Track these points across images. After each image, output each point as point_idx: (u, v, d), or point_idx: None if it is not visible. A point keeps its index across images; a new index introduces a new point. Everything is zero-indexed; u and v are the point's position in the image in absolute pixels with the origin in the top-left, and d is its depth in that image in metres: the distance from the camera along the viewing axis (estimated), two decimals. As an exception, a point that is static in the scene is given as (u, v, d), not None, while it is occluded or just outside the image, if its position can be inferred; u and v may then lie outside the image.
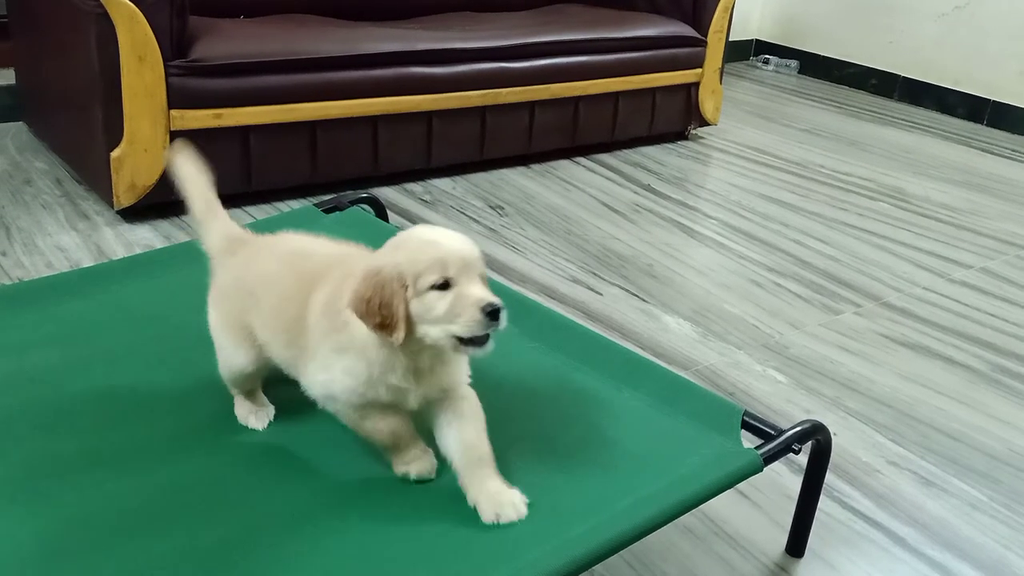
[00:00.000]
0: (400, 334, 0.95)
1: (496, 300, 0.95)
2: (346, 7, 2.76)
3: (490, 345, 0.97)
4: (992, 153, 3.44)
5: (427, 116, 2.55)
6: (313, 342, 1.03)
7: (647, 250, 2.32)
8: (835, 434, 1.22)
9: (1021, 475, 1.55)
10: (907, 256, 2.42)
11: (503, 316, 0.95)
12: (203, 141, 2.21)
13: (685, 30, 3.04)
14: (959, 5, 3.81)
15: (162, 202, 2.22)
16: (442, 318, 0.95)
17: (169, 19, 2.09)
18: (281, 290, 1.07)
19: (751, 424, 1.19)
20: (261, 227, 1.72)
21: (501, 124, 2.71)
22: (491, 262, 2.16)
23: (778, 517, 1.38)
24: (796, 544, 1.31)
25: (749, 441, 1.16)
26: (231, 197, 2.36)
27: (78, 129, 2.30)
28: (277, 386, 1.18)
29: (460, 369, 1.07)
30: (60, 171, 2.48)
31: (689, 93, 3.13)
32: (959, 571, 1.32)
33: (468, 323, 0.95)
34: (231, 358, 1.13)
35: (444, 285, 0.95)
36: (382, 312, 0.95)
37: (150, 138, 2.14)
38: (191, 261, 1.56)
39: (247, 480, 1.06)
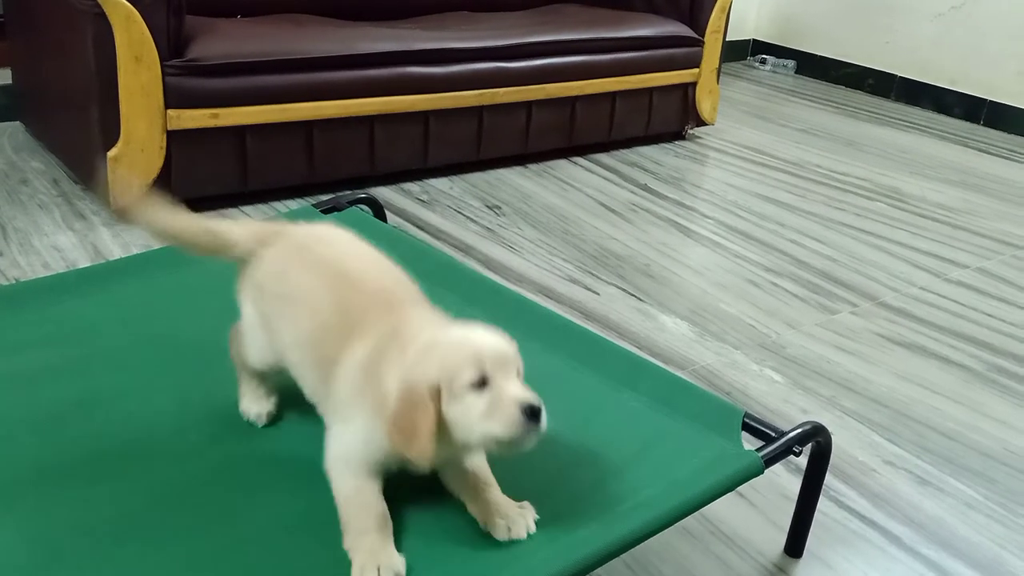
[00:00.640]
0: (425, 453, 0.91)
1: (535, 399, 0.91)
2: (343, 7, 2.76)
3: (532, 445, 0.92)
4: (989, 153, 3.45)
5: (424, 116, 2.55)
6: (343, 396, 0.99)
7: (644, 250, 2.32)
8: (832, 434, 1.22)
9: (1016, 474, 1.55)
10: (904, 256, 2.43)
11: (544, 417, 0.91)
12: (200, 141, 2.23)
13: (682, 30, 3.05)
14: (956, 5, 3.82)
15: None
16: (480, 418, 0.91)
17: (166, 19, 2.09)
18: (321, 320, 1.02)
19: (751, 426, 1.19)
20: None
21: (498, 124, 2.71)
22: (488, 262, 2.16)
23: (775, 517, 1.38)
24: (795, 545, 1.31)
25: (749, 443, 1.16)
26: (227, 197, 2.37)
27: (75, 129, 2.29)
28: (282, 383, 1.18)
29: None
30: (57, 171, 2.47)
31: (686, 93, 3.14)
32: (955, 570, 1.32)
33: (506, 423, 0.90)
34: (254, 348, 1.11)
35: (481, 383, 0.91)
36: (409, 432, 0.90)
37: (147, 138, 2.14)
38: (189, 261, 1.56)
39: (247, 483, 1.06)
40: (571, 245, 2.31)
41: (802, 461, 1.25)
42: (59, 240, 2.09)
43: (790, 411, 1.67)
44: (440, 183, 2.64)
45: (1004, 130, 3.75)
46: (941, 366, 1.89)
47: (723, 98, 3.76)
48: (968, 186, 3.04)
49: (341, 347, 1.00)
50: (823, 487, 1.26)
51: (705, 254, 2.34)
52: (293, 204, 2.37)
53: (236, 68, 2.21)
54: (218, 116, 2.21)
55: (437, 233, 2.29)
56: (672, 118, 3.16)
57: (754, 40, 4.63)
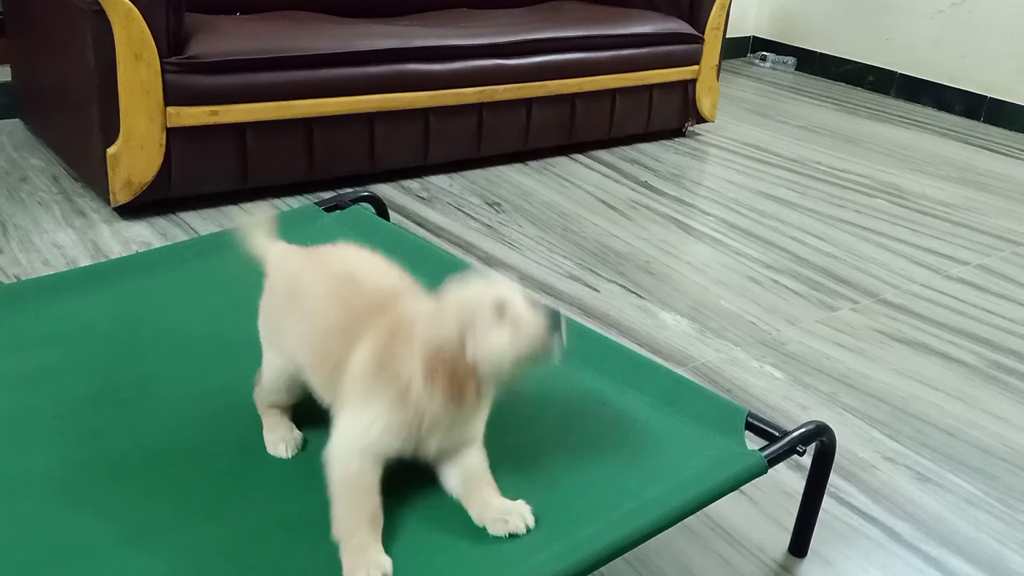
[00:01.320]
0: (472, 393, 0.95)
1: (553, 307, 0.95)
2: (342, 4, 2.76)
3: (559, 353, 0.96)
4: (989, 150, 3.44)
5: (424, 113, 2.55)
6: (350, 391, 1.00)
7: (644, 247, 2.32)
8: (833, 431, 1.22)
9: (1016, 471, 1.55)
10: (904, 253, 2.43)
11: (563, 321, 0.95)
12: (200, 138, 2.23)
13: (682, 27, 3.04)
14: (956, 2, 3.81)
15: (158, 199, 2.22)
16: (510, 344, 0.94)
17: (165, 16, 2.09)
18: (327, 322, 1.04)
19: (755, 425, 1.19)
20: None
21: (498, 121, 2.71)
22: (488, 259, 2.16)
23: (776, 514, 1.39)
24: (799, 544, 1.31)
25: (753, 442, 1.16)
26: (228, 195, 2.37)
27: (74, 126, 2.29)
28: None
29: (481, 424, 1.05)
30: (56, 168, 2.47)
31: (686, 90, 3.14)
32: (954, 566, 1.32)
33: (534, 338, 0.94)
34: (271, 365, 1.12)
35: (499, 313, 0.94)
36: (456, 383, 0.94)
37: (146, 135, 2.14)
38: (191, 260, 1.56)
39: (250, 482, 1.06)
40: (571, 242, 2.31)
41: (803, 459, 1.25)
42: (59, 237, 2.09)
43: (790, 408, 1.67)
44: (440, 180, 2.64)
45: (1004, 127, 3.75)
46: (941, 363, 1.89)
47: (723, 95, 3.76)
48: (968, 183, 3.04)
49: (348, 345, 1.01)
50: (823, 484, 1.26)
51: (705, 251, 2.34)
52: (293, 202, 2.37)
53: (236, 65, 2.21)
54: (218, 113, 2.21)
55: (437, 230, 2.29)
56: (672, 115, 3.15)
57: (754, 37, 4.63)
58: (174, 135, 2.18)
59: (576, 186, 2.70)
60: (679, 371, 1.58)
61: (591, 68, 2.85)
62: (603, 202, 2.59)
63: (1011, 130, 3.72)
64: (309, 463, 1.09)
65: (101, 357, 1.27)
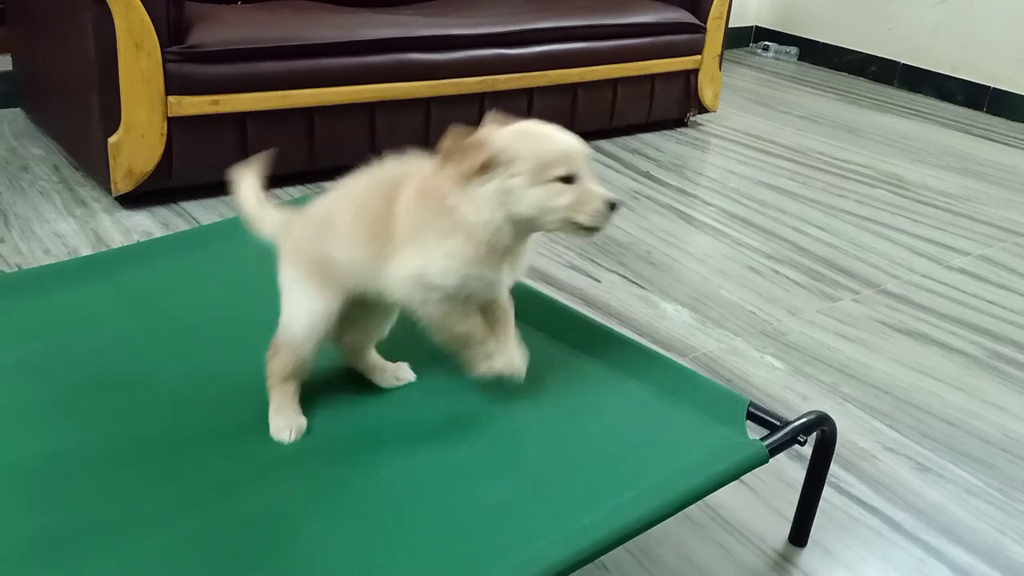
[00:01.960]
0: (480, 168, 1.02)
1: (615, 197, 1.04)
2: (344, -7, 2.76)
3: (602, 231, 1.06)
4: (991, 140, 3.44)
5: (425, 103, 2.54)
6: (402, 232, 1.05)
7: (645, 237, 2.32)
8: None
9: (1016, 461, 1.56)
10: (905, 243, 2.43)
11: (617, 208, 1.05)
12: (201, 128, 2.23)
13: (684, 16, 3.04)
14: (959, -9, 3.80)
15: (159, 188, 2.22)
16: (567, 207, 1.03)
17: (166, 5, 2.08)
18: (361, 200, 1.10)
19: (756, 415, 1.19)
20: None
21: (500, 110, 2.70)
22: (489, 249, 2.16)
23: (777, 504, 1.39)
24: (799, 534, 1.31)
25: (754, 432, 1.16)
26: (228, 184, 2.36)
27: (75, 115, 2.29)
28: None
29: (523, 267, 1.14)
30: (57, 157, 2.47)
31: (688, 80, 3.13)
32: (954, 556, 1.32)
33: (593, 214, 1.03)
34: (310, 308, 1.11)
35: (568, 179, 1.03)
36: (465, 156, 1.02)
37: (147, 124, 2.13)
38: (192, 249, 1.56)
39: (251, 468, 1.07)
40: (572, 232, 2.31)
41: (804, 448, 1.25)
42: (60, 227, 2.09)
43: (791, 398, 1.67)
44: (441, 170, 2.63)
45: (1006, 117, 3.74)
46: (942, 353, 1.89)
47: (725, 85, 3.75)
48: (970, 173, 3.03)
49: (388, 200, 1.07)
50: (824, 473, 1.27)
51: (706, 241, 2.33)
52: (294, 191, 2.37)
53: (236, 54, 2.21)
54: (219, 103, 2.21)
55: (438, 220, 2.28)
56: (674, 105, 3.15)
57: (756, 27, 4.61)
58: (175, 124, 2.17)
59: (577, 176, 2.69)
60: (680, 361, 1.58)
61: (593, 58, 2.84)
62: (604, 192, 2.59)
63: (1013, 120, 3.71)
64: (317, 451, 1.09)
65: (102, 346, 1.27)
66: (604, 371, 1.29)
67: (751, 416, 1.19)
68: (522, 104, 2.74)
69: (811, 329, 1.93)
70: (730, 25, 3.26)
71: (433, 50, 2.51)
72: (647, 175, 2.75)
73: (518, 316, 1.33)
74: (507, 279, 1.11)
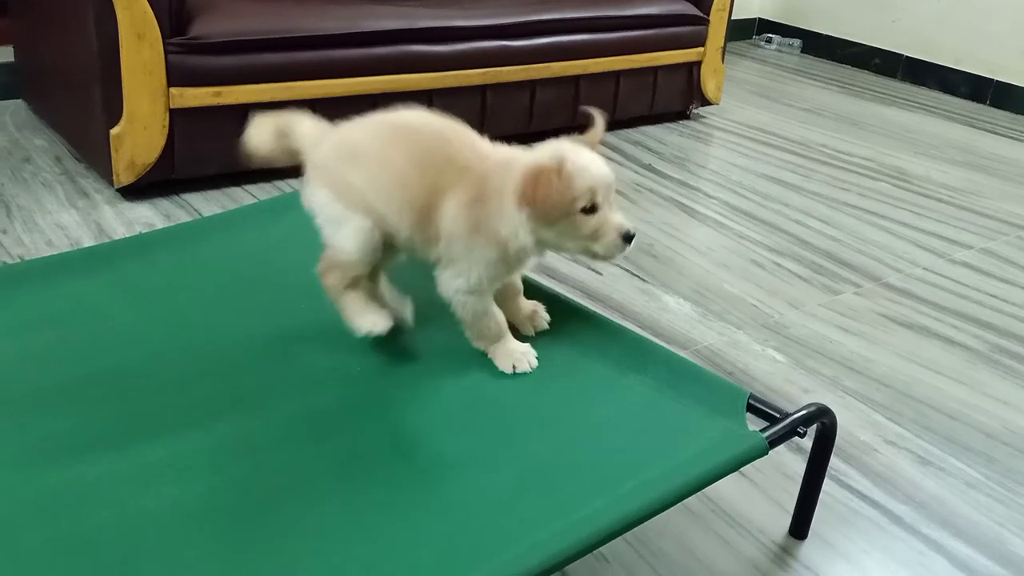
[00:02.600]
0: (558, 197, 1.10)
1: (632, 226, 1.13)
2: (346, -16, 2.75)
3: (618, 259, 1.16)
4: (994, 133, 3.43)
5: (427, 95, 2.54)
6: (447, 242, 1.17)
7: (647, 229, 2.32)
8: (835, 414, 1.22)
9: (1017, 454, 1.56)
10: (908, 236, 2.42)
11: (633, 241, 1.13)
12: (203, 119, 2.23)
13: (687, 8, 3.03)
14: (963, -17, 3.79)
15: (162, 180, 2.22)
16: (586, 236, 1.12)
17: (168, -4, 2.08)
18: (398, 171, 1.17)
19: (756, 407, 1.19)
20: (264, 207, 1.73)
21: (502, 102, 2.70)
22: (491, 241, 2.16)
23: (777, 496, 1.39)
24: (799, 526, 1.32)
25: (754, 424, 1.16)
26: (230, 176, 2.37)
27: (77, 107, 2.29)
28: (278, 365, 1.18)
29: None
30: (59, 149, 2.47)
31: (691, 72, 3.12)
32: (955, 549, 1.33)
33: (608, 246, 1.12)
34: (349, 227, 1.19)
35: (591, 209, 1.11)
36: (542, 191, 1.09)
37: (149, 116, 2.13)
38: (194, 241, 1.56)
39: (249, 455, 1.07)
40: (574, 225, 2.30)
41: (804, 441, 1.26)
42: (62, 218, 2.09)
43: (792, 391, 1.67)
44: (443, 162, 2.63)
45: (1010, 110, 3.73)
46: (943, 346, 1.89)
47: (728, 77, 3.74)
48: (973, 166, 3.03)
49: (431, 193, 1.15)
50: (824, 466, 1.27)
51: (709, 234, 2.33)
52: (296, 184, 2.37)
53: (239, 46, 2.20)
54: (221, 94, 2.21)
55: (440, 212, 2.28)
56: (676, 97, 3.14)
57: (760, 19, 4.60)
58: (177, 116, 2.17)
59: (580, 168, 2.69)
60: (682, 354, 1.58)
61: (596, 49, 2.83)
62: (607, 184, 2.59)
63: (1017, 113, 3.70)
64: (320, 441, 1.09)
65: (104, 337, 1.27)
66: (605, 363, 1.29)
67: (751, 408, 1.19)
68: (525, 97, 2.74)
69: (813, 322, 1.93)
70: (733, 17, 3.25)
71: (436, 42, 2.51)
72: (649, 167, 2.75)
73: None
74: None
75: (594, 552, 0.98)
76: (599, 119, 1.19)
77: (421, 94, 2.52)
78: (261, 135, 1.32)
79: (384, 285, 1.30)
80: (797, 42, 4.43)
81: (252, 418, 1.13)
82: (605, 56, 2.86)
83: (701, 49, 3.10)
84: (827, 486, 1.41)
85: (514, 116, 2.75)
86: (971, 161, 3.08)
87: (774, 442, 1.12)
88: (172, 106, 2.16)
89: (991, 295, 2.13)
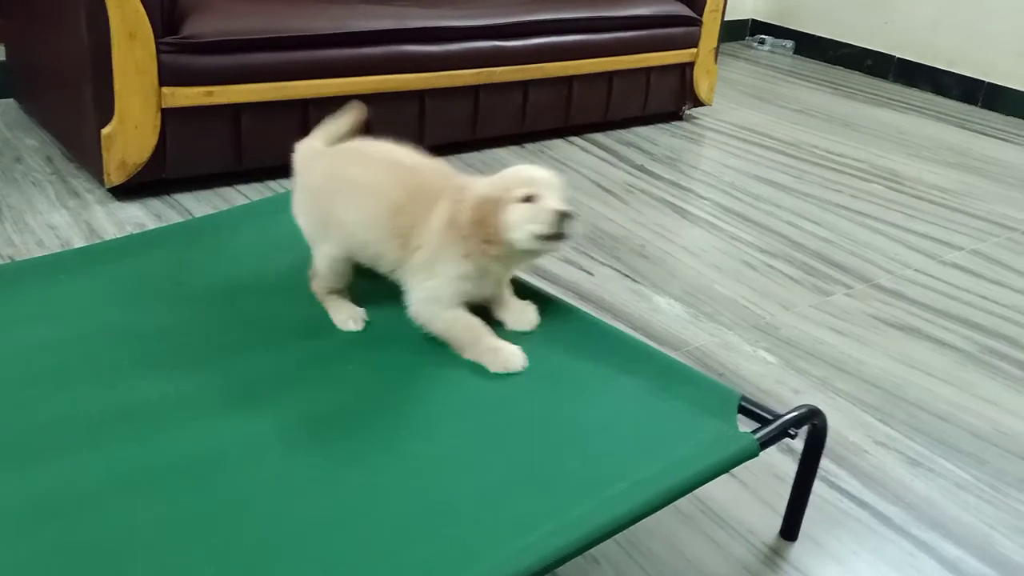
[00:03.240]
0: (498, 246, 1.20)
1: (570, 208, 1.18)
2: (339, -16, 2.74)
3: (564, 244, 1.21)
4: (986, 135, 3.44)
5: (420, 95, 2.54)
6: (426, 251, 1.24)
7: (639, 230, 2.32)
8: (825, 415, 1.22)
9: (1007, 455, 1.56)
10: (899, 238, 2.43)
11: (574, 221, 1.19)
12: (195, 119, 2.22)
13: (680, 9, 3.03)
14: (955, -15, 3.80)
15: (153, 180, 2.22)
16: (525, 220, 1.18)
17: (160, -5, 2.08)
18: (391, 202, 1.26)
19: (747, 408, 1.20)
20: (257, 208, 1.73)
21: (494, 103, 2.70)
22: (483, 242, 2.16)
23: (768, 498, 1.39)
24: (790, 527, 1.32)
25: (745, 425, 1.16)
26: (222, 176, 2.37)
27: (68, 106, 2.28)
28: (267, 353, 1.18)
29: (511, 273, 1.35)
30: (51, 148, 2.46)
31: (684, 73, 3.13)
32: (945, 550, 1.33)
33: (544, 221, 1.18)
34: (321, 252, 1.33)
35: (528, 199, 1.19)
36: (487, 230, 1.20)
37: (141, 116, 2.13)
38: (185, 242, 1.56)
39: (243, 461, 1.07)
40: (567, 225, 2.31)
41: (795, 443, 1.26)
42: (53, 218, 2.08)
43: (783, 392, 1.68)
44: (436, 162, 2.63)
45: (1002, 112, 3.74)
46: (934, 348, 1.89)
47: (721, 78, 3.75)
48: (965, 168, 3.04)
49: (418, 214, 1.25)
50: (815, 468, 1.27)
51: (701, 235, 2.34)
52: (288, 184, 2.36)
53: (231, 46, 2.20)
54: (213, 94, 2.20)
55: (433, 213, 2.28)
56: (669, 98, 3.15)
57: (753, 20, 4.61)
58: (169, 116, 2.17)
59: (572, 169, 2.69)
60: (673, 355, 1.58)
61: (589, 50, 2.84)
62: (599, 185, 2.59)
63: (1009, 115, 3.72)
64: (310, 439, 1.09)
65: (94, 337, 1.27)
66: (596, 364, 1.29)
67: (742, 410, 1.19)
68: (518, 97, 2.74)
69: (804, 323, 1.94)
70: (726, 18, 3.26)
71: (428, 42, 2.51)
72: (642, 168, 2.75)
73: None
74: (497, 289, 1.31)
75: (585, 553, 0.98)
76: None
77: (413, 94, 2.52)
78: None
79: (345, 295, 1.37)
80: (790, 43, 4.44)
81: (241, 419, 1.13)
82: (598, 57, 2.86)
83: (694, 50, 3.10)
84: (817, 487, 1.41)
85: (507, 116, 2.76)
86: (963, 163, 3.09)
87: (765, 444, 1.13)
88: (164, 106, 2.15)
89: (981, 296, 2.14)
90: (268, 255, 1.53)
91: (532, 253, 1.25)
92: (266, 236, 1.59)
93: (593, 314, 1.42)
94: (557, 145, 2.87)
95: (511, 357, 1.24)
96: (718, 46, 3.18)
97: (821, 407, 1.22)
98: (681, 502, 1.34)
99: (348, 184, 1.29)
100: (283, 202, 1.55)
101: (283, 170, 2.40)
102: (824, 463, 1.48)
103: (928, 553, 1.32)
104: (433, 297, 1.26)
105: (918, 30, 3.97)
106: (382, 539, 0.96)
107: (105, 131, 2.11)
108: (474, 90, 2.64)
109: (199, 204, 2.21)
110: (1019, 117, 3.70)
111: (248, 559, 0.93)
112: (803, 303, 2.03)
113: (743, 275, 2.13)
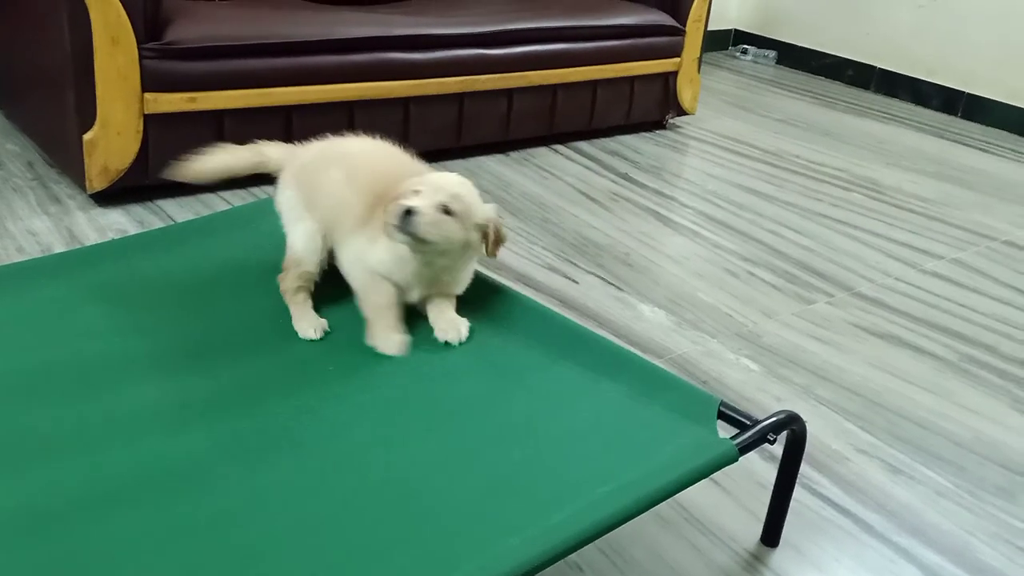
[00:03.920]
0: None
1: (414, 205, 1.26)
2: (323, -9, 2.75)
3: (405, 234, 1.26)
4: (965, 144, 3.48)
5: (404, 102, 2.54)
6: (368, 227, 1.35)
7: (623, 238, 2.33)
8: (806, 422, 1.23)
9: (986, 463, 1.57)
10: (879, 246, 2.45)
11: (416, 217, 1.25)
12: (177, 125, 2.21)
13: (664, 19, 3.05)
14: (935, -3, 3.84)
15: (135, 186, 2.21)
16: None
17: (143, 0, 2.07)
18: (350, 207, 1.37)
19: (727, 414, 1.20)
20: (238, 213, 1.72)
21: (478, 111, 2.71)
22: (467, 249, 2.16)
23: (749, 504, 1.40)
24: (771, 534, 1.32)
25: (725, 431, 1.17)
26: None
27: (50, 111, 2.27)
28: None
29: (455, 287, 1.39)
30: (32, 154, 2.45)
31: (667, 82, 3.14)
32: (925, 557, 1.34)
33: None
34: (301, 226, 1.40)
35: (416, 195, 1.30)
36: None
37: (123, 121, 2.12)
38: (167, 248, 1.55)
39: (227, 465, 1.06)
40: (550, 233, 2.31)
41: (776, 450, 1.26)
42: (34, 224, 2.07)
43: (765, 399, 1.68)
44: (420, 170, 2.63)
45: (980, 122, 3.78)
46: (914, 356, 1.91)
47: (704, 88, 3.77)
48: (944, 177, 3.07)
49: (389, 187, 1.33)
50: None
51: (684, 243, 2.35)
52: (271, 190, 2.36)
53: (214, 51, 2.20)
54: (195, 100, 2.20)
55: (416, 220, 2.28)
56: (653, 107, 3.16)
57: (735, 30, 4.64)
58: (151, 121, 2.16)
59: (556, 177, 2.70)
60: (656, 363, 1.59)
61: (573, 59, 2.85)
62: (583, 193, 2.60)
63: (987, 125, 3.76)
64: (297, 441, 1.09)
65: (75, 342, 1.26)
66: (579, 371, 1.29)
67: (722, 416, 1.20)
68: (502, 105, 2.75)
69: (786, 331, 1.95)
70: (709, 28, 3.28)
71: (413, 49, 2.51)
72: (625, 177, 2.76)
73: (496, 316, 1.34)
74: (425, 293, 1.36)
75: (566, 560, 0.98)
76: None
77: (398, 101, 2.52)
78: (227, 162, 1.52)
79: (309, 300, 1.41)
80: (772, 53, 4.47)
81: (224, 423, 1.13)
82: (582, 65, 2.87)
83: (677, 59, 3.12)
84: (798, 494, 1.42)
85: (491, 124, 2.76)
86: (942, 172, 3.12)
87: (744, 448, 1.13)
88: (146, 111, 2.14)
89: (961, 305, 2.16)
90: (250, 260, 1.52)
91: (432, 249, 1.29)
92: (248, 241, 1.59)
93: (577, 321, 1.42)
94: (541, 153, 2.88)
95: (387, 343, 1.30)
96: (701, 56, 3.20)
97: (803, 415, 1.23)
98: (663, 508, 1.35)
99: (341, 153, 1.43)
100: (265, 207, 1.55)
101: (267, 177, 2.40)
102: (805, 470, 1.49)
103: (908, 560, 1.33)
104: (359, 257, 1.35)
105: (899, 41, 4.00)
106: (364, 545, 0.96)
107: (87, 137, 2.10)
108: (459, 98, 2.64)
109: (181, 210, 2.20)
110: (997, 128, 3.74)
111: (232, 566, 0.92)
112: (785, 311, 2.04)
113: (726, 283, 2.15)
